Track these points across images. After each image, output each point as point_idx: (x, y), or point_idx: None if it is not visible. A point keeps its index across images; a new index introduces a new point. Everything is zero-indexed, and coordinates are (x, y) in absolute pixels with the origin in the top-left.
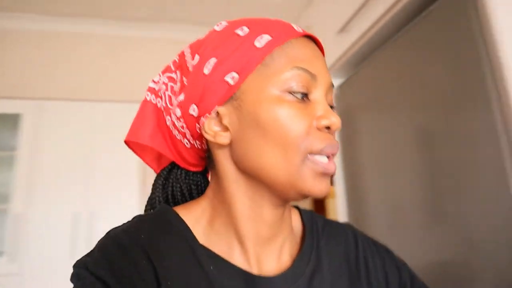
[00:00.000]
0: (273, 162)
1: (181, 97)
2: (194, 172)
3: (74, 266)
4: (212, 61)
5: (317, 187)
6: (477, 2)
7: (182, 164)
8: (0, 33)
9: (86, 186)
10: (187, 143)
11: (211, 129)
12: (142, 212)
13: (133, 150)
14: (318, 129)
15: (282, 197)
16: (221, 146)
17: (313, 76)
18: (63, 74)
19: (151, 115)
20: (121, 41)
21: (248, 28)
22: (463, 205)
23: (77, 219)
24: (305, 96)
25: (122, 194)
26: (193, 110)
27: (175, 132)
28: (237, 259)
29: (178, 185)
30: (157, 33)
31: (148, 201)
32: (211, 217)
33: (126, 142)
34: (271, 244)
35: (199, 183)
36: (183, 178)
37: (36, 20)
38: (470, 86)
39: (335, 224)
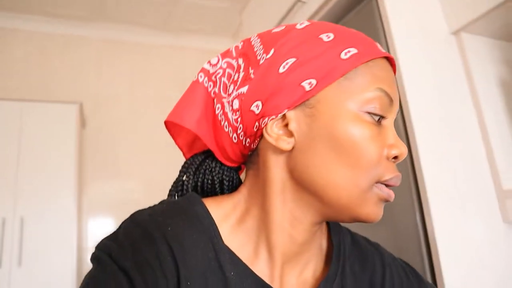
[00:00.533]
0: (339, 181)
1: (244, 89)
2: (229, 167)
3: (97, 248)
4: (291, 61)
5: (376, 213)
6: (381, 14)
7: (219, 156)
8: None
9: (16, 189)
10: (235, 138)
11: (274, 131)
12: (78, 217)
13: (169, 131)
14: (387, 157)
15: (332, 217)
16: (278, 151)
17: (390, 101)
18: None
19: (201, 99)
20: (51, 39)
21: (334, 35)
22: (398, 211)
23: (5, 225)
24: (381, 119)
25: (57, 197)
26: (257, 107)
27: (225, 124)
28: (261, 267)
29: (210, 176)
30: (91, 32)
31: (174, 184)
32: (242, 217)
33: (166, 122)
34: (297, 259)
35: (232, 179)
36: (217, 170)
37: None
38: None
39: (364, 245)
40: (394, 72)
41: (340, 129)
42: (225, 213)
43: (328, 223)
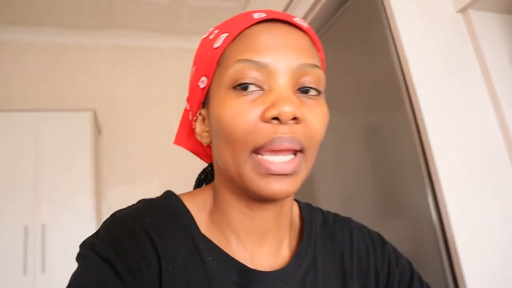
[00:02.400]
0: (225, 160)
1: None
2: None
3: (81, 246)
4: (193, 68)
5: (266, 189)
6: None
7: (210, 160)
8: None
9: (36, 198)
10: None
11: (200, 129)
12: (96, 222)
13: (190, 151)
14: (265, 121)
15: (249, 195)
16: (209, 144)
17: (263, 65)
18: (5, 85)
19: (186, 121)
20: (62, 49)
21: (218, 30)
22: (411, 200)
23: (28, 232)
24: (254, 88)
25: (76, 204)
26: (191, 114)
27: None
28: (234, 251)
29: (209, 180)
30: (101, 39)
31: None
32: (211, 208)
33: (176, 145)
34: (267, 239)
35: None
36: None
37: None
38: (385, 84)
39: (333, 221)
40: (299, 27)
41: (214, 115)
42: (199, 206)
43: (298, 203)
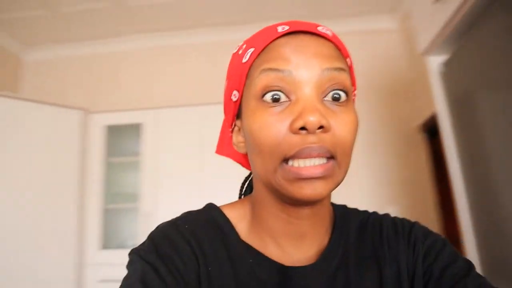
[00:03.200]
0: (259, 171)
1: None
2: None
3: (129, 254)
4: (226, 83)
5: (298, 193)
6: None
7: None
8: (120, 55)
9: (200, 185)
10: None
11: (237, 140)
12: None
13: (232, 159)
14: (293, 132)
15: (285, 199)
16: (246, 154)
17: (287, 73)
18: (172, 84)
19: (226, 130)
20: (216, 47)
21: (246, 44)
22: None
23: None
24: (281, 98)
25: (233, 191)
26: (227, 126)
27: None
28: (273, 254)
29: (250, 187)
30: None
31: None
32: (251, 217)
33: (217, 154)
34: (304, 242)
35: None
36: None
37: (142, 39)
38: None
39: (368, 216)
40: (326, 37)
41: (246, 126)
42: (239, 215)
43: (332, 204)
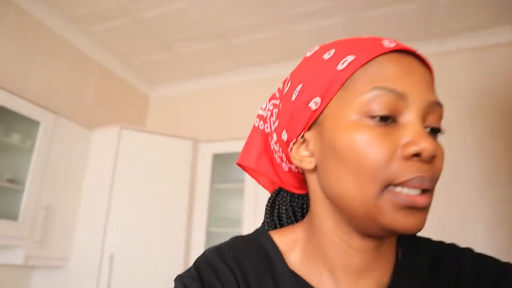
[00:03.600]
0: (349, 191)
1: (276, 123)
2: (299, 195)
3: (175, 280)
4: (299, 87)
5: (401, 222)
6: None
7: (286, 187)
8: (227, 89)
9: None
10: (285, 167)
11: (299, 154)
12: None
13: (248, 173)
14: (405, 158)
15: (365, 230)
16: (310, 171)
17: (401, 96)
18: (238, 117)
19: (258, 140)
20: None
21: (335, 50)
22: None
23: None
24: (390, 119)
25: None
26: (284, 135)
27: (276, 156)
28: (324, 286)
29: (284, 207)
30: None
31: (262, 224)
32: (305, 244)
33: (238, 164)
34: (366, 277)
35: (303, 205)
36: (288, 200)
37: (246, 73)
38: None
39: (443, 250)
40: (425, 62)
41: (340, 140)
42: (290, 243)
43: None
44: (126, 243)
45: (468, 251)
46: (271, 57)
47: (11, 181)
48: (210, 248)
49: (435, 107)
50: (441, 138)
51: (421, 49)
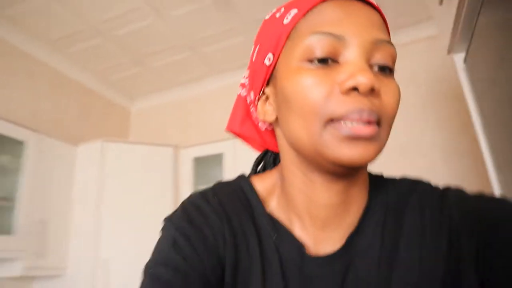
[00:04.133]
0: (298, 133)
1: (247, 86)
2: None
3: (164, 220)
4: (257, 48)
5: (345, 153)
6: None
7: (270, 147)
8: (202, 96)
9: None
10: (262, 127)
11: (263, 109)
12: None
13: (240, 139)
14: (343, 93)
15: (320, 167)
16: (275, 124)
17: (339, 37)
18: (214, 120)
19: (241, 106)
20: None
21: (284, 7)
22: None
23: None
24: (330, 61)
25: None
26: (252, 95)
27: (254, 118)
28: (298, 234)
29: (269, 167)
30: None
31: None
32: (279, 193)
33: (227, 131)
34: (332, 228)
35: None
36: (271, 161)
37: (219, 80)
38: None
39: (409, 189)
40: (374, 6)
41: (286, 87)
42: (269, 186)
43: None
44: (119, 249)
45: (427, 186)
46: (240, 62)
47: (3, 198)
48: (195, 192)
49: (382, 45)
50: (408, 118)
51: None
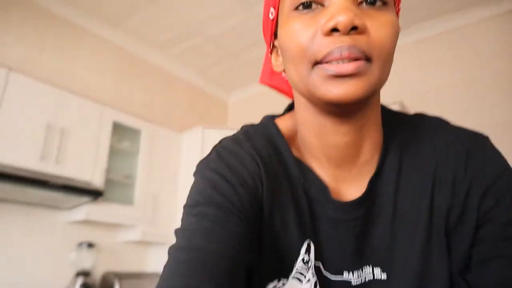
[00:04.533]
0: (293, 77)
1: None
2: None
3: (197, 165)
4: (264, 4)
5: (332, 91)
6: None
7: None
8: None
9: None
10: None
11: (277, 60)
12: None
13: (273, 89)
14: (325, 34)
15: (318, 108)
16: (286, 73)
17: None
18: None
19: (268, 60)
20: None
21: None
22: None
23: None
24: (314, 5)
25: None
26: (268, 49)
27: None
28: (318, 173)
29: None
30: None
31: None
32: (298, 134)
33: (260, 83)
34: (349, 167)
35: None
36: None
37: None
38: None
39: (423, 126)
40: None
41: (280, 37)
42: (292, 129)
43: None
44: None
45: (446, 124)
46: None
47: (127, 176)
48: (225, 138)
49: None
50: None
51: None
